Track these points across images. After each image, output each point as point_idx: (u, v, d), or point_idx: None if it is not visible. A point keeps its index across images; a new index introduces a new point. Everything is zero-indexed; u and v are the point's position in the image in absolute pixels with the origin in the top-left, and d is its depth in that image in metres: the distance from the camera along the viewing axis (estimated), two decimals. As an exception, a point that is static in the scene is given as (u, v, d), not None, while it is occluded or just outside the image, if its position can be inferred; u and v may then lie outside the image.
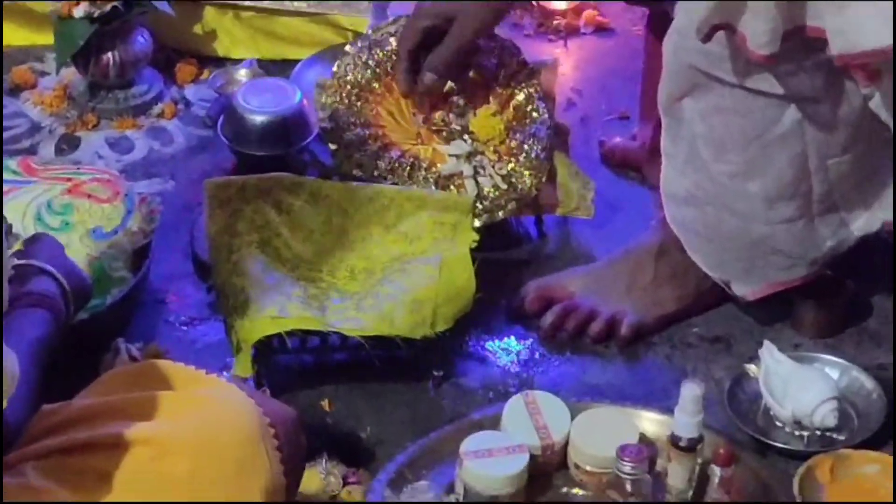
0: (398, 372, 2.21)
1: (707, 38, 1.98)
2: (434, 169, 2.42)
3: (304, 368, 2.21)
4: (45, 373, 1.76)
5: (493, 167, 2.40)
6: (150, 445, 1.62)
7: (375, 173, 2.42)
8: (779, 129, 2.10)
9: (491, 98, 2.50)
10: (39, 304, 1.88)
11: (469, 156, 2.42)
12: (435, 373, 2.22)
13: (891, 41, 1.85)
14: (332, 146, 2.45)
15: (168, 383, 1.74)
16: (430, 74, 2.41)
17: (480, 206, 2.36)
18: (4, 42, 2.89)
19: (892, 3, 1.83)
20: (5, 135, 2.68)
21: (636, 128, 2.63)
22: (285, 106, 2.59)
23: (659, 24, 2.15)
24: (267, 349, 2.13)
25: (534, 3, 2.92)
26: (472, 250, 2.23)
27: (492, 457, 1.98)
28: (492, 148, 2.43)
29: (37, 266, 1.95)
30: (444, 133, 2.46)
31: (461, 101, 2.48)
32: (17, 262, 1.93)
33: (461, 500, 1.99)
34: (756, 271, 2.24)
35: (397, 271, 2.26)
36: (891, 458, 2.03)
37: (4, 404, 1.53)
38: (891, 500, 1.97)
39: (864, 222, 2.21)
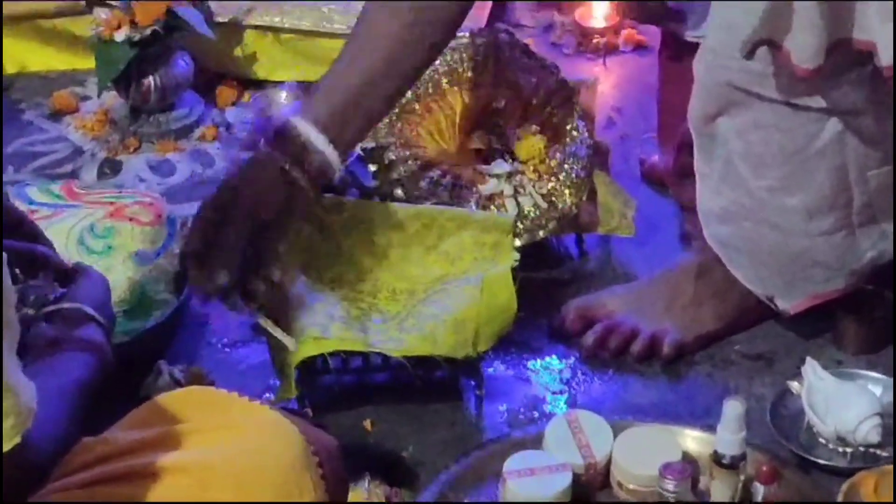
0: (439, 392, 2.21)
1: (751, 54, 1.98)
2: (475, 189, 2.42)
3: (345, 389, 2.20)
4: (86, 414, 1.79)
5: (534, 186, 2.39)
6: (192, 475, 1.62)
7: (416, 193, 2.42)
8: (819, 143, 2.10)
9: (531, 117, 2.49)
10: (86, 350, 1.89)
11: (509, 175, 2.42)
12: (476, 392, 2.21)
13: None
14: (373, 167, 2.46)
15: (210, 410, 1.73)
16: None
17: (521, 226, 2.37)
18: (46, 66, 2.94)
19: None
20: (48, 159, 2.71)
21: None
22: (324, 130, 2.60)
23: (672, 46, 2.14)
24: (310, 370, 2.13)
25: (575, 19, 2.92)
26: (513, 270, 2.20)
27: (534, 476, 1.98)
28: (532, 167, 2.43)
29: (84, 311, 1.95)
30: (485, 153, 2.45)
31: (501, 121, 2.47)
32: (66, 306, 1.95)
33: None
34: (797, 284, 2.23)
35: (439, 291, 2.25)
36: (934, 475, 2.02)
37: (13, 440, 1.53)
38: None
39: None
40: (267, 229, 2.15)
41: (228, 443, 1.66)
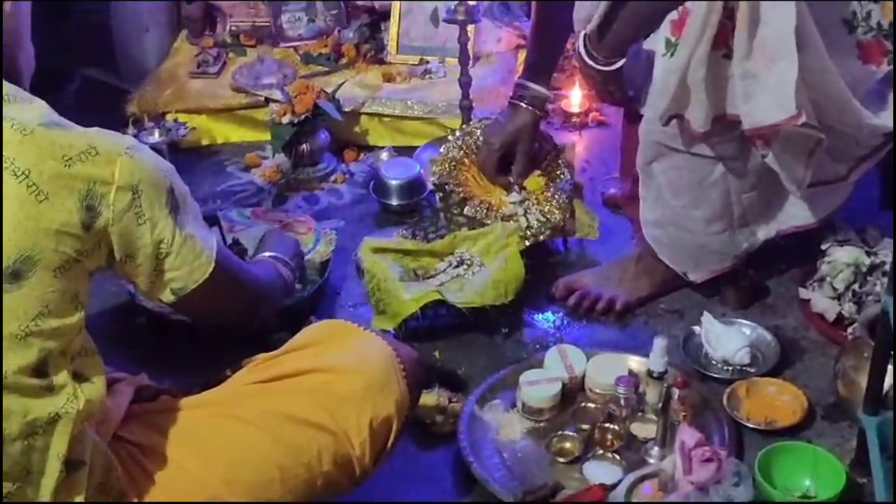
0: (482, 330, 2.21)
1: (667, 123, 2.01)
2: (499, 210, 2.41)
3: (423, 328, 2.19)
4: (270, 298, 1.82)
5: (536, 208, 2.39)
6: (328, 372, 1.64)
7: (464, 212, 2.42)
8: (712, 178, 2.10)
9: (535, 166, 2.46)
10: (278, 271, 1.91)
11: (521, 202, 2.40)
12: (504, 331, 2.23)
13: (778, 119, 1.85)
14: (439, 196, 2.47)
15: (340, 334, 1.73)
16: (520, 178, 2.43)
17: (529, 233, 2.35)
18: (240, 138, 2.91)
19: (777, 94, 1.83)
20: (242, 195, 2.69)
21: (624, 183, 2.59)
22: (410, 174, 2.63)
23: (631, 117, 2.16)
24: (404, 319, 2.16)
25: (560, 106, 2.94)
26: (521, 253, 2.25)
27: (539, 385, 2.01)
28: (535, 196, 2.41)
29: (278, 256, 1.97)
30: (506, 187, 2.45)
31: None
32: (263, 255, 1.97)
33: (521, 410, 1.99)
34: (700, 265, 2.24)
35: (480, 267, 2.27)
36: (783, 382, 2.05)
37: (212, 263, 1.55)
38: (783, 410, 1.98)
39: (765, 232, 2.20)
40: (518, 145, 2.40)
41: (349, 353, 1.68)
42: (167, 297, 1.54)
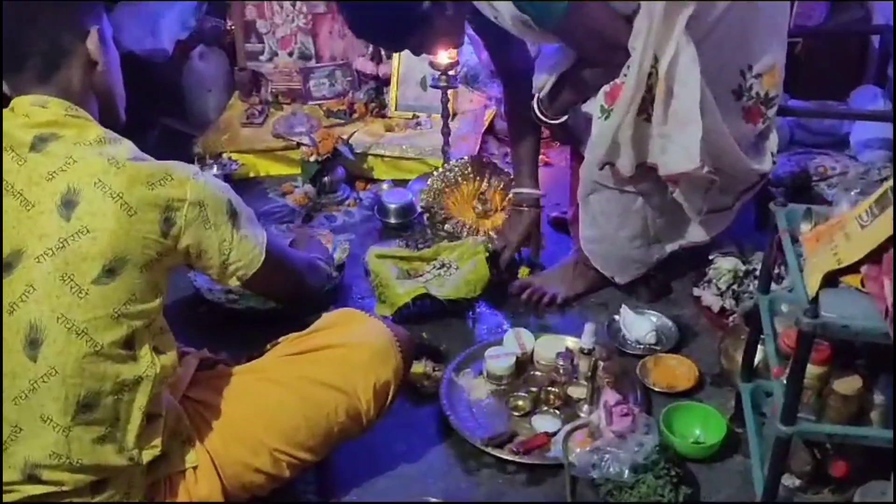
0: (457, 316, 2.18)
1: (601, 167, 2.00)
2: (472, 227, 2.42)
3: (413, 315, 2.15)
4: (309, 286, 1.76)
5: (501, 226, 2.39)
6: (342, 347, 1.64)
7: (445, 227, 2.42)
8: (634, 207, 2.08)
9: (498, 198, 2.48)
10: (318, 261, 1.87)
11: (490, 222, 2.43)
12: (473, 316, 2.21)
13: (687, 168, 1.86)
14: (427, 216, 2.47)
15: (353, 318, 1.71)
16: (535, 258, 2.36)
17: (494, 244, 2.30)
18: (278, 172, 2.84)
19: (686, 150, 1.83)
20: (278, 215, 2.63)
21: (565, 208, 2.57)
22: (405, 200, 2.59)
23: (577, 157, 2.15)
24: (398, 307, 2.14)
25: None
26: (486, 259, 2.20)
27: (499, 358, 1.99)
28: (501, 218, 2.41)
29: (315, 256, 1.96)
30: (479, 211, 2.46)
31: (486, 197, 2.48)
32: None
33: (486, 377, 1.96)
34: (625, 271, 2.21)
35: (456, 270, 2.23)
36: (681, 357, 2.03)
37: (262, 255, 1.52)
38: (681, 378, 1.96)
39: (671, 246, 2.18)
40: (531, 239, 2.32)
41: (357, 332, 1.67)
42: (234, 282, 1.54)
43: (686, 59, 1.78)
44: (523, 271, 2.35)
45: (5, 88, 1.43)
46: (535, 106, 2.05)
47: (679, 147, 1.85)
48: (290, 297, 1.75)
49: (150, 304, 1.40)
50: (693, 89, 1.79)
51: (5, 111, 1.41)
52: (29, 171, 1.35)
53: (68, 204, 1.33)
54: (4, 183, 1.35)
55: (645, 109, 1.86)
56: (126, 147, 1.41)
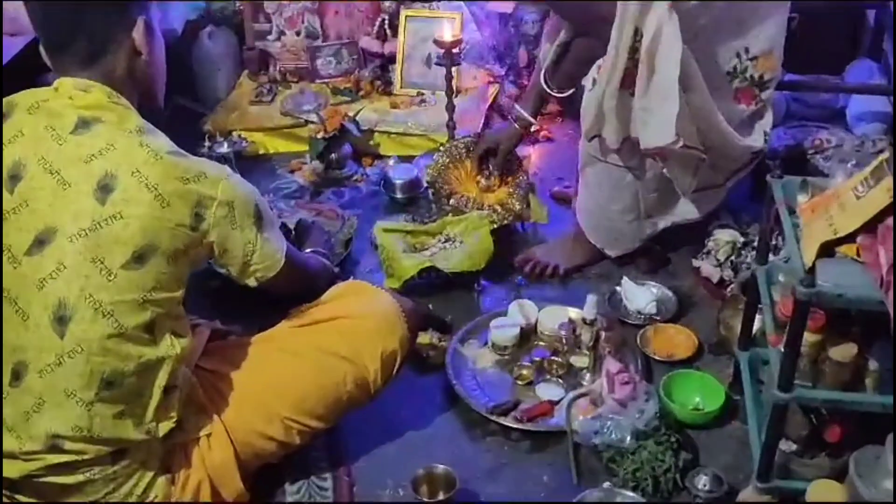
0: (462, 288, 2.19)
1: (590, 140, 2.02)
2: (477, 201, 2.39)
3: (419, 287, 2.15)
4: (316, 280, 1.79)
5: (504, 200, 2.40)
6: (349, 318, 1.64)
7: (450, 202, 2.40)
8: (624, 182, 2.09)
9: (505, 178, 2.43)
10: (321, 261, 1.90)
11: (493, 195, 2.40)
12: (478, 289, 2.20)
13: (662, 143, 1.85)
14: (432, 191, 2.45)
15: (361, 290, 1.74)
16: (495, 170, 2.37)
17: (497, 218, 2.31)
18: (288, 149, 2.82)
19: (662, 125, 1.81)
20: (287, 191, 2.61)
21: (566, 182, 2.54)
22: (411, 175, 2.58)
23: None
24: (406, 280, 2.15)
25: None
26: (490, 233, 2.20)
27: (504, 328, 2.01)
28: (503, 193, 2.40)
29: (318, 251, 1.98)
30: (482, 185, 2.42)
31: (489, 171, 2.45)
32: (308, 251, 1.97)
33: (491, 347, 1.97)
34: (617, 244, 2.22)
35: (462, 243, 2.24)
36: (680, 327, 2.03)
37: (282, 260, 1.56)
38: (681, 346, 1.96)
39: (663, 223, 2.18)
40: (500, 145, 2.32)
41: (365, 303, 1.68)
42: (251, 282, 1.57)
43: (669, 34, 1.76)
44: (501, 193, 2.38)
45: (49, 64, 1.42)
46: (542, 78, 2.05)
47: (657, 121, 1.84)
48: (299, 297, 1.75)
49: (173, 294, 1.42)
50: (674, 65, 1.77)
51: (49, 90, 1.41)
52: (68, 152, 1.36)
53: (104, 188, 1.34)
54: (42, 160, 1.36)
55: (630, 83, 1.85)
56: (164, 140, 1.42)
